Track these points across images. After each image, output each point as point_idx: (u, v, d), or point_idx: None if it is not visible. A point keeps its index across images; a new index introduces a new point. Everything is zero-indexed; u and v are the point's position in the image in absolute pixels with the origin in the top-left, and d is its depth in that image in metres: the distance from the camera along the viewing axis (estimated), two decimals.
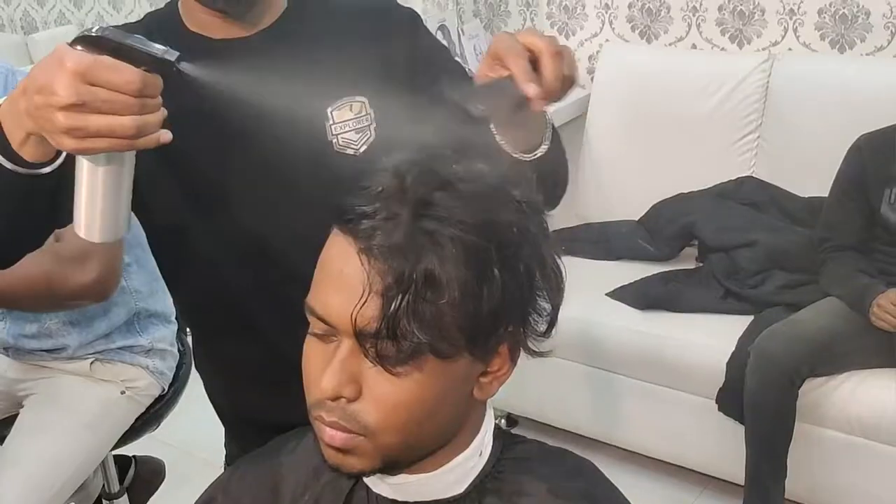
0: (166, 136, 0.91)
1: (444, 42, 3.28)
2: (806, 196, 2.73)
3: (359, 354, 0.79)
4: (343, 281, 0.79)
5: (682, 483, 2.62)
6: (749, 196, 2.79)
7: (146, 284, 1.93)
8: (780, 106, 2.80)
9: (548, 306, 0.84)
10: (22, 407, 1.90)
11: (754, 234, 2.62)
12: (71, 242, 1.57)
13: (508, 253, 0.79)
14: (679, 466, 2.60)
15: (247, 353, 1.31)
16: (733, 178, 2.87)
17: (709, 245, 2.70)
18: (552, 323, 0.85)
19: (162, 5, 1.27)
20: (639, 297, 2.59)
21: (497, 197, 0.80)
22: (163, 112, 0.90)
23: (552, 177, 1.14)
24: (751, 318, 2.44)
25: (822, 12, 2.81)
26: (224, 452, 1.51)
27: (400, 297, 0.76)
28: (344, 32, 1.22)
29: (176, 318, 2.05)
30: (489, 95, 0.91)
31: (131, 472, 2.26)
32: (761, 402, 2.23)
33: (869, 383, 2.23)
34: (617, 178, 3.11)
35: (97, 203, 0.96)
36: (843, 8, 2.77)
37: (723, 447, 2.42)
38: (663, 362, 2.47)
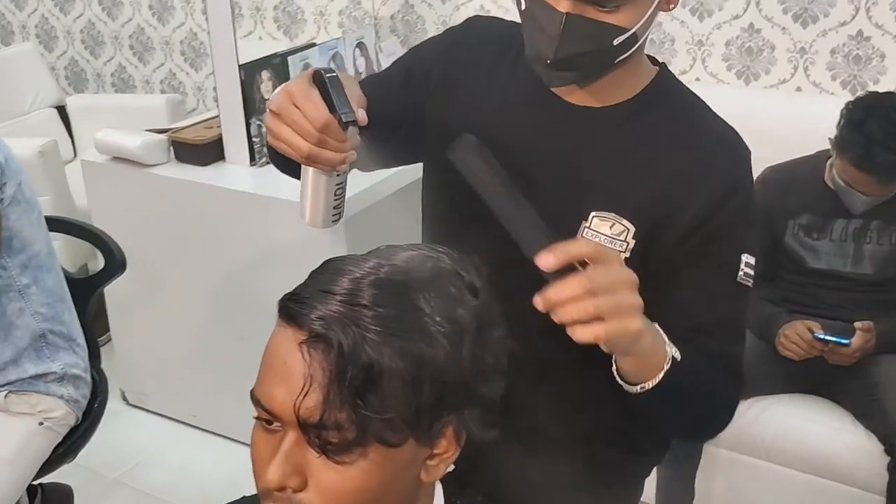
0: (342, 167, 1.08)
1: (363, 59, 3.27)
2: None
3: (304, 444, 0.79)
4: (286, 372, 0.79)
5: None
6: None
7: (48, 306, 1.89)
8: None
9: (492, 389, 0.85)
10: None
11: None
12: None
13: (447, 341, 0.80)
14: None
15: None
16: None
17: None
18: (496, 405, 0.86)
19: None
20: None
21: (433, 288, 0.82)
22: (346, 154, 1.06)
23: (662, 413, 1.13)
24: None
25: (730, 44, 2.89)
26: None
27: (340, 389, 0.76)
28: (680, 161, 1.15)
29: (88, 343, 2.01)
30: None
31: (38, 500, 2.20)
32: None
33: (773, 409, 2.31)
34: None
35: (307, 195, 1.15)
36: (750, 41, 2.85)
37: None
38: None
